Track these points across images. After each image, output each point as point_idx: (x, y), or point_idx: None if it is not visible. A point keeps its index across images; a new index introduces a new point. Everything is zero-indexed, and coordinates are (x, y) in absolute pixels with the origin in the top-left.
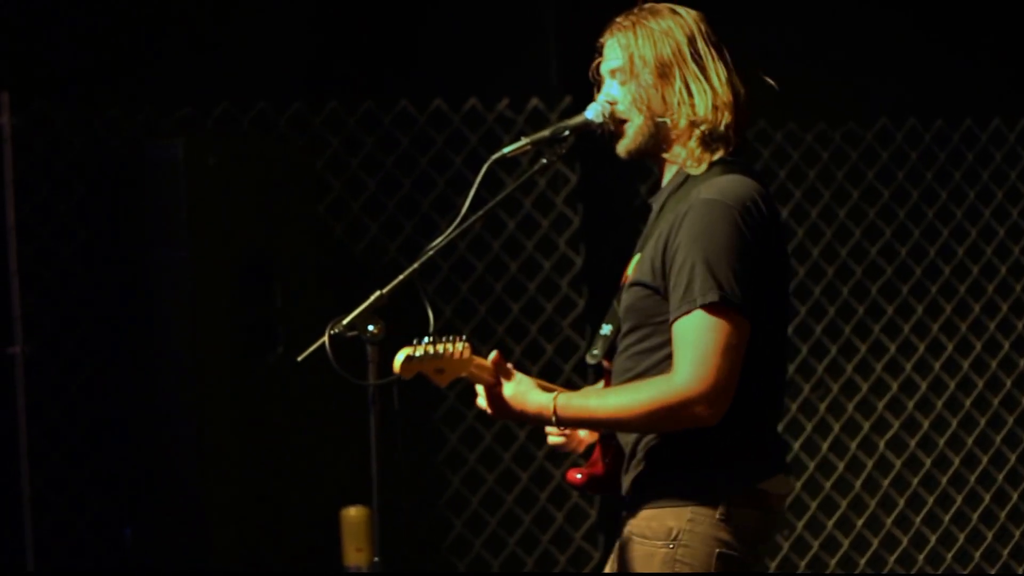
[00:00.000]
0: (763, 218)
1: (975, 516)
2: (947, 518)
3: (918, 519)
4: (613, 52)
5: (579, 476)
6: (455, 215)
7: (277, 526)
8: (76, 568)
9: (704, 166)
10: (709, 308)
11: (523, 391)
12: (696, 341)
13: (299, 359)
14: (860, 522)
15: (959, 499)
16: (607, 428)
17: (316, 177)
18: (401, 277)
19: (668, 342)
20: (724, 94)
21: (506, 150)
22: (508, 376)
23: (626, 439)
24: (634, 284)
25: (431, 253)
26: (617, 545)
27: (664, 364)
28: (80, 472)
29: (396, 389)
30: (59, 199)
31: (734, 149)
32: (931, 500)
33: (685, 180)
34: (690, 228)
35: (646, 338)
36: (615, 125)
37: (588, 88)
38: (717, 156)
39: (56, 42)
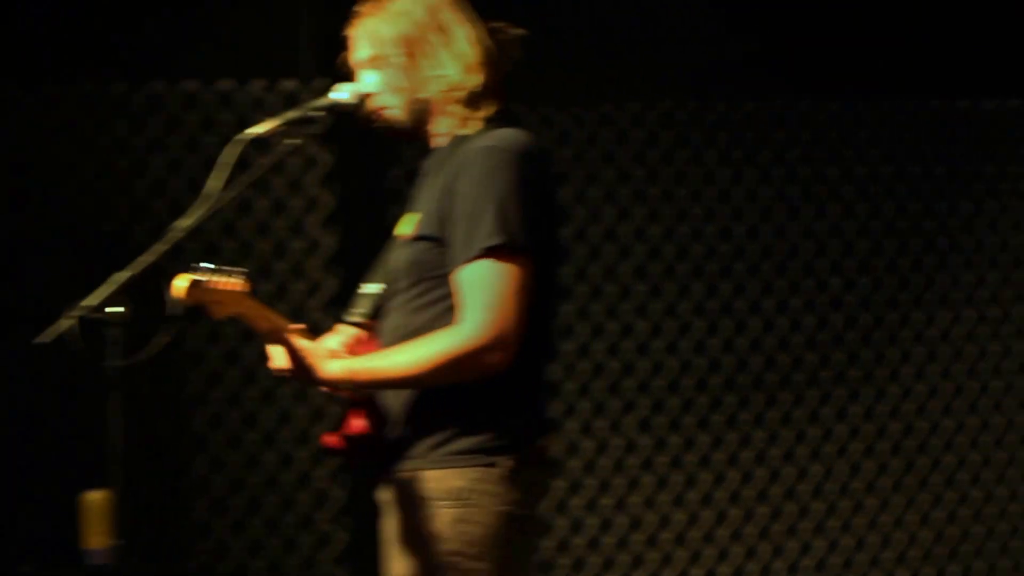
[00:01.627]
0: (539, 164)
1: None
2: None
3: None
4: (360, 42)
5: (338, 439)
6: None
7: (21, 510)
8: None
9: (475, 126)
10: (494, 252)
11: (312, 365)
12: (484, 287)
13: (39, 341)
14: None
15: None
16: (399, 387)
17: (66, 160)
18: (146, 259)
19: (450, 295)
20: (473, 55)
21: (255, 130)
22: (303, 340)
23: (395, 400)
24: (419, 239)
25: (179, 235)
26: (392, 510)
27: (446, 317)
28: None
29: (140, 372)
30: None
31: (502, 108)
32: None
33: (459, 140)
34: (470, 176)
35: (427, 292)
36: (377, 113)
37: (342, 71)
38: (485, 114)
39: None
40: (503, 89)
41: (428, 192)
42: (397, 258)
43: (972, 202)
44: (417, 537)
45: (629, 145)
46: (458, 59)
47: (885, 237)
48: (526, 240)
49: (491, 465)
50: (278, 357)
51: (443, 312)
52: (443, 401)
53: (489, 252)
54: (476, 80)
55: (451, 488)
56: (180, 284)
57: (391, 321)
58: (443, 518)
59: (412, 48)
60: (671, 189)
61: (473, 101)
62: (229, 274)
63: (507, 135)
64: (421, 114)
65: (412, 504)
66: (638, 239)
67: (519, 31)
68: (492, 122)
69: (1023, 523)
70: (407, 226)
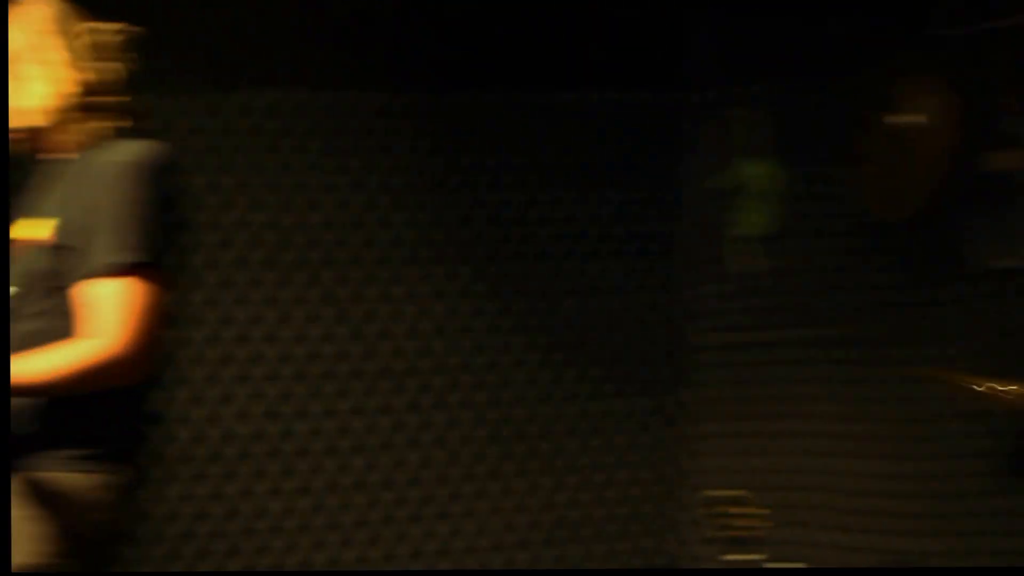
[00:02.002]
0: (170, 177)
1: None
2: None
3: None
4: None
5: None
6: None
7: None
8: None
9: (103, 135)
10: (130, 270)
11: None
12: (119, 303)
13: None
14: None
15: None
16: (31, 393)
17: None
18: None
19: (81, 305)
20: (91, 66)
21: None
22: None
23: (18, 402)
24: (56, 247)
25: None
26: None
27: (75, 327)
28: None
29: None
30: None
31: (130, 120)
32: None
33: (90, 149)
34: (107, 190)
35: (62, 301)
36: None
37: None
38: (109, 127)
39: None
40: (130, 93)
41: (62, 200)
42: (32, 263)
43: (571, 192)
44: (28, 534)
45: (263, 135)
46: (69, 75)
47: (488, 225)
48: (159, 258)
49: (104, 472)
50: None
51: (75, 322)
52: (64, 408)
53: (125, 269)
54: (95, 90)
55: (65, 491)
56: None
57: (22, 326)
58: (52, 519)
59: (25, 66)
60: (305, 179)
61: (95, 111)
62: None
63: (138, 148)
64: (41, 132)
65: (26, 503)
66: (270, 228)
67: (138, 29)
68: (122, 130)
69: (643, 506)
70: (35, 230)
